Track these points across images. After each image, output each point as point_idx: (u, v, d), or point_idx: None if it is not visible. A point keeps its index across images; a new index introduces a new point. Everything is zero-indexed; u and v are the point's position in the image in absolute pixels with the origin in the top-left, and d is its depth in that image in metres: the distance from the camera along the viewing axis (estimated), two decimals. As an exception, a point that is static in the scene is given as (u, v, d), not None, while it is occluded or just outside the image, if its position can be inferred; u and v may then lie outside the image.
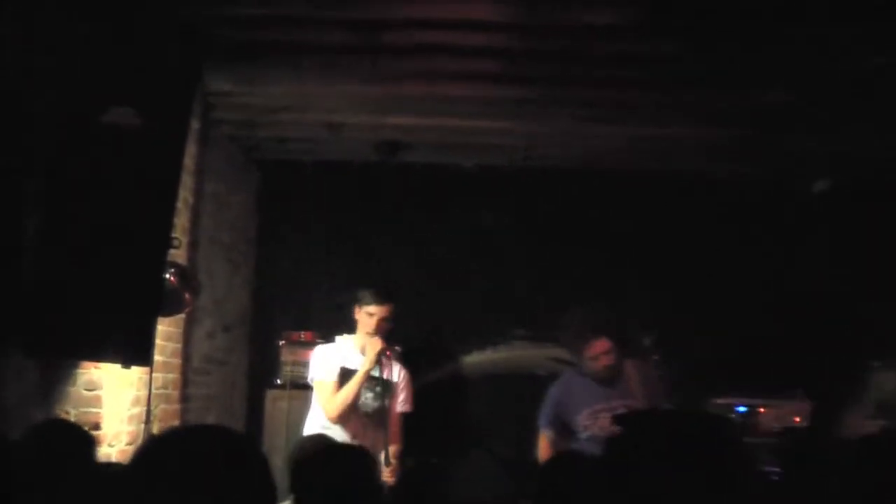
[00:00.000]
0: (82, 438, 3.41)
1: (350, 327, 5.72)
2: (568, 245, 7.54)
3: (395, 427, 5.56)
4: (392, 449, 5.41)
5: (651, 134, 6.55)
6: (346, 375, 5.52)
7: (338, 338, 5.71)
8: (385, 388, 5.46)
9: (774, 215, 7.46)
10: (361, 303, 5.57)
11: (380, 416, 5.43)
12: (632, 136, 6.65)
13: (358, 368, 5.52)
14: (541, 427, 5.77)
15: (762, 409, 6.31)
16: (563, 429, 5.69)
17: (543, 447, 5.71)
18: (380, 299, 5.55)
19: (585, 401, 5.58)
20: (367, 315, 5.54)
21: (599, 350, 5.52)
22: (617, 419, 3.96)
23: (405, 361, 5.81)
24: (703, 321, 7.17)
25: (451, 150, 7.24)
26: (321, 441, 4.17)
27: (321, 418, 5.49)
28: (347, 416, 5.43)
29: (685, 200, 7.46)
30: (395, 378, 5.62)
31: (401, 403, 5.65)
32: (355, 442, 5.22)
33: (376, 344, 5.45)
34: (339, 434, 5.33)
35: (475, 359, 7.50)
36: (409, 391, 5.70)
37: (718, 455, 2.50)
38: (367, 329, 5.52)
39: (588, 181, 7.51)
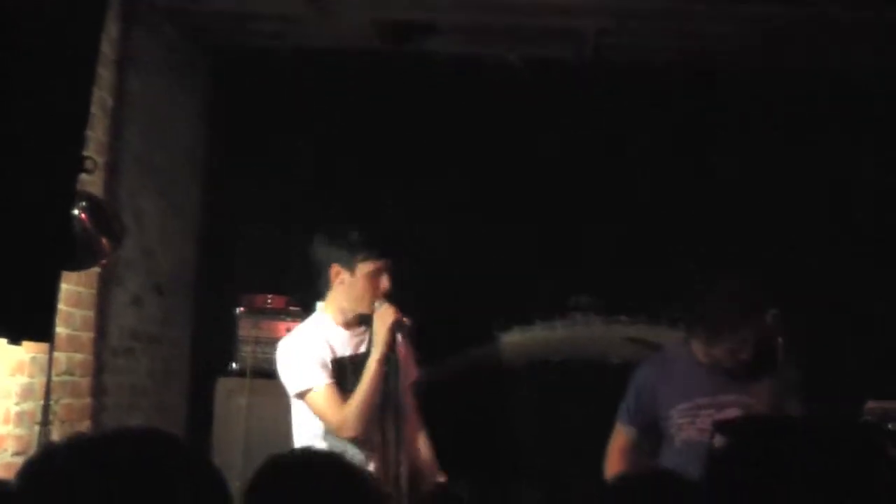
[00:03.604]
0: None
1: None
2: (655, 176, 7.57)
3: (412, 419, 5.63)
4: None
5: (795, 15, 6.55)
6: (342, 369, 5.54)
7: (310, 319, 5.69)
8: (393, 367, 5.50)
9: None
10: (356, 260, 5.55)
11: (389, 403, 5.49)
12: (764, 18, 6.64)
13: (351, 353, 5.54)
14: (618, 422, 5.78)
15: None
16: (652, 429, 5.71)
17: (615, 453, 5.72)
18: (382, 251, 5.56)
19: (686, 389, 5.59)
20: (372, 275, 5.54)
21: (742, 345, 5.53)
22: (719, 427, 3.99)
23: (418, 341, 5.82)
24: (854, 288, 7.18)
25: (489, 35, 7.25)
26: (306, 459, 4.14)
27: (315, 429, 5.52)
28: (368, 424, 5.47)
29: (835, 113, 7.45)
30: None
31: (405, 376, 5.67)
32: (369, 452, 5.34)
33: (388, 314, 5.44)
34: (341, 445, 5.37)
35: (518, 339, 7.55)
36: (411, 357, 5.74)
37: (867, 484, 2.54)
38: (374, 294, 5.53)
39: (691, 84, 7.53)
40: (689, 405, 5.53)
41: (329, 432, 5.43)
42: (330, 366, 5.46)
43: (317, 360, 5.46)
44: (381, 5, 6.79)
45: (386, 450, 5.38)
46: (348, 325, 5.56)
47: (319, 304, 5.76)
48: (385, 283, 5.48)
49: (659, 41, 7.20)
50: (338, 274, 5.55)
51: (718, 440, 4.34)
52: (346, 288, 5.55)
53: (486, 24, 7.03)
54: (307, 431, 5.49)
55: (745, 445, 2.87)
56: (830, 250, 7.32)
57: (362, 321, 5.55)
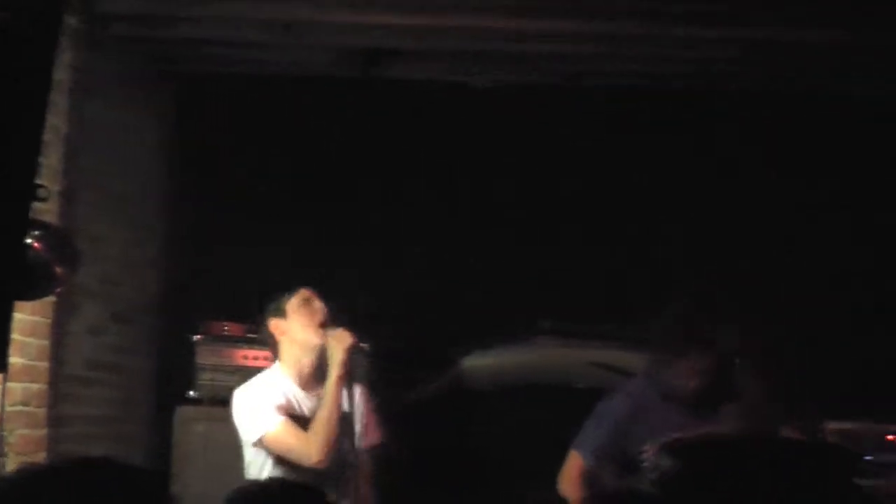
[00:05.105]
0: None
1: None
2: (626, 199, 7.60)
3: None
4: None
5: (770, 38, 6.59)
6: (297, 423, 5.53)
7: (267, 372, 5.67)
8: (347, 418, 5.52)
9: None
10: (283, 301, 5.55)
11: (347, 450, 5.50)
12: (744, 41, 6.67)
13: (309, 411, 5.51)
14: (577, 452, 5.75)
15: (890, 437, 6.36)
16: (622, 464, 5.70)
17: (574, 479, 5.70)
18: (301, 284, 5.59)
19: (658, 426, 5.58)
20: (302, 304, 5.54)
21: (691, 371, 5.55)
22: (668, 450, 4.00)
23: (375, 368, 5.82)
24: (817, 308, 7.22)
25: (458, 61, 7.25)
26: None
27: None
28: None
29: (815, 136, 7.48)
30: (348, 406, 5.60)
31: (364, 435, 5.66)
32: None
33: (344, 338, 5.45)
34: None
35: (479, 363, 7.53)
36: (373, 415, 5.72)
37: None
38: (311, 322, 5.53)
39: (663, 108, 7.54)
40: (664, 442, 5.52)
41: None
42: (284, 411, 5.44)
43: (271, 405, 5.43)
44: (347, 32, 6.79)
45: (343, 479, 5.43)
46: (304, 382, 5.55)
47: (259, 377, 5.72)
48: (317, 304, 5.50)
49: (635, 65, 7.20)
50: (276, 327, 5.57)
51: (666, 462, 4.35)
52: (288, 336, 5.57)
53: (456, 50, 7.03)
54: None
55: (691, 466, 2.88)
56: (796, 269, 7.37)
57: (320, 378, 5.49)
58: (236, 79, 7.57)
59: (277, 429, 5.39)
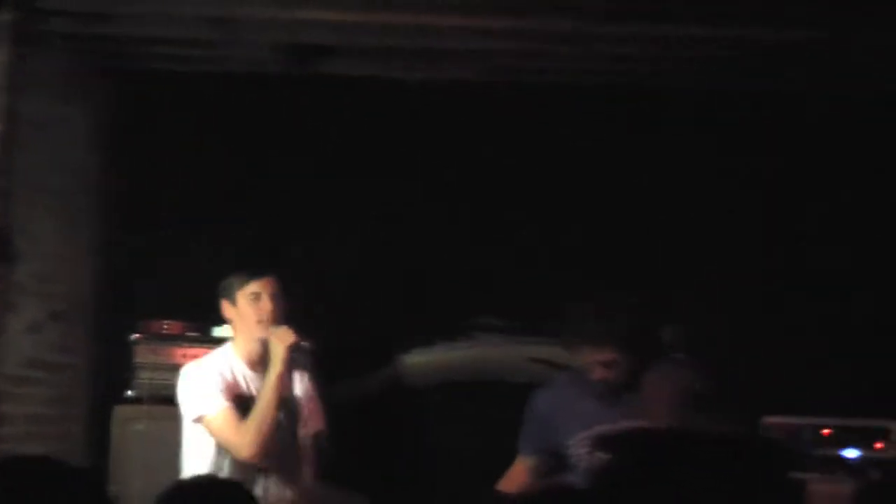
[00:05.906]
0: None
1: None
2: (560, 195, 7.61)
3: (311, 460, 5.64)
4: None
5: (706, 36, 6.59)
6: (242, 404, 5.54)
7: (217, 350, 5.68)
8: (290, 407, 5.53)
9: (870, 151, 7.55)
10: (235, 287, 5.58)
11: (292, 436, 5.52)
12: (686, 39, 6.66)
13: (256, 391, 5.53)
14: (519, 452, 5.79)
15: (826, 431, 6.43)
16: (554, 458, 5.73)
17: (507, 476, 5.74)
18: (260, 269, 5.58)
19: (582, 419, 5.61)
20: (251, 298, 5.55)
21: (596, 360, 5.57)
22: (600, 442, 4.01)
23: (316, 365, 5.83)
24: (755, 305, 7.29)
25: (390, 57, 7.24)
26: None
27: (207, 457, 5.50)
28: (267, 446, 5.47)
29: (759, 135, 7.53)
30: (296, 390, 5.64)
31: (307, 423, 5.68)
32: (276, 480, 5.40)
33: (286, 336, 5.48)
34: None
35: (420, 360, 7.54)
36: (316, 403, 5.74)
37: (752, 499, 2.56)
38: (256, 318, 5.55)
39: (594, 105, 7.55)
40: (588, 435, 5.55)
41: (221, 461, 5.42)
42: (228, 395, 5.46)
43: (216, 386, 5.47)
44: (284, 29, 6.78)
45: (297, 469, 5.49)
46: (254, 364, 5.58)
47: (217, 329, 5.77)
48: (266, 303, 5.51)
49: (566, 61, 7.22)
50: (227, 309, 5.60)
51: (599, 455, 4.37)
52: (235, 321, 5.59)
53: (387, 46, 7.03)
54: (198, 460, 5.48)
55: (624, 459, 2.88)
56: (736, 266, 7.43)
57: (269, 361, 5.52)
58: (176, 75, 7.52)
59: (217, 414, 5.44)
